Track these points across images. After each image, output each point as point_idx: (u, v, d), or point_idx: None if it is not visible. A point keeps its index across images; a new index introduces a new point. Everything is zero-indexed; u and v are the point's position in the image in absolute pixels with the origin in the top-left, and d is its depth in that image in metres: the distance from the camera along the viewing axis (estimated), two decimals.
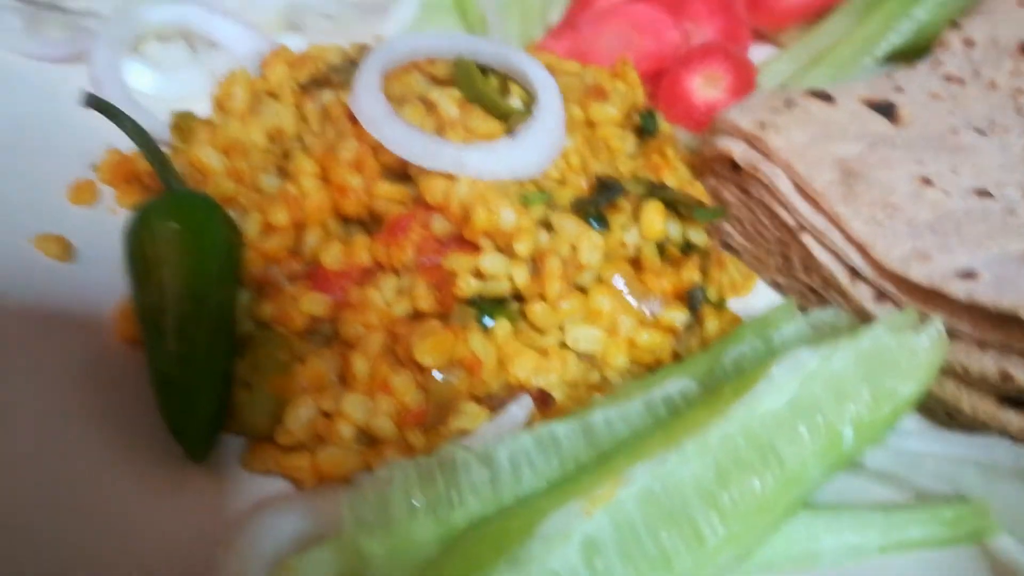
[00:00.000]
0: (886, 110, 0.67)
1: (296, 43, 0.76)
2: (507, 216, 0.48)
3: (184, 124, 0.61)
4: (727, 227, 0.64)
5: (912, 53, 0.79)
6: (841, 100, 0.66)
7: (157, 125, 0.64)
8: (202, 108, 0.66)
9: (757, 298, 0.61)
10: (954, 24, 0.73)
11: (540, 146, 0.52)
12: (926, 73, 0.72)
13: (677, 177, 0.61)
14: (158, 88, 0.70)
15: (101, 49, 0.67)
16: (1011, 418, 0.46)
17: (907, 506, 0.43)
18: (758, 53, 0.89)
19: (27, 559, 0.39)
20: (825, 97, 0.65)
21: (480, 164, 0.50)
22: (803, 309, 0.61)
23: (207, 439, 0.43)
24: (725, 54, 0.77)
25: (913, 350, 0.46)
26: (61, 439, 0.43)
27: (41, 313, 0.47)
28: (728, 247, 0.64)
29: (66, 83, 0.66)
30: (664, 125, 0.68)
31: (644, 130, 0.64)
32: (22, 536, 0.40)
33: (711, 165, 0.64)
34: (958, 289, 0.49)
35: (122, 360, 0.46)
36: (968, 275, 0.50)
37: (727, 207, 0.63)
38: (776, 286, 0.62)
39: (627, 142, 0.62)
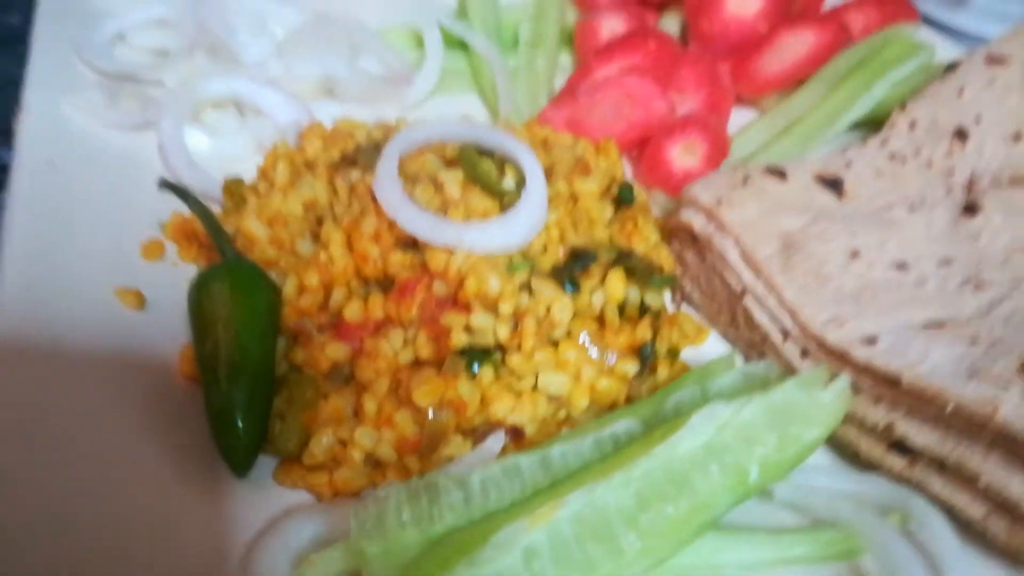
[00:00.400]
0: (834, 185, 0.77)
1: (331, 109, 0.89)
2: (493, 284, 0.59)
3: (233, 188, 0.73)
4: (688, 285, 0.75)
5: (876, 122, 0.90)
6: (794, 176, 0.76)
7: (211, 185, 0.77)
8: (248, 167, 0.79)
9: (709, 347, 0.72)
10: (902, 107, 0.83)
11: (525, 223, 0.63)
12: (874, 150, 0.81)
13: (646, 242, 0.72)
14: (212, 150, 0.82)
15: (167, 119, 0.80)
16: (894, 461, 0.56)
17: (795, 529, 0.54)
18: (740, 116, 1.00)
19: (104, 548, 0.52)
20: (779, 174, 0.75)
21: (474, 240, 0.61)
22: (747, 358, 0.71)
23: (248, 459, 0.55)
24: (703, 126, 0.88)
25: (819, 403, 0.56)
26: (136, 456, 0.55)
27: (121, 354, 0.59)
28: (689, 301, 0.75)
29: (139, 149, 0.79)
30: (640, 195, 0.79)
31: (622, 200, 0.76)
32: (105, 528, 0.52)
33: (676, 232, 0.74)
34: (860, 353, 0.59)
35: (184, 393, 0.58)
36: (870, 341, 0.60)
37: (688, 268, 0.74)
38: (726, 338, 0.72)
39: (605, 211, 0.74)
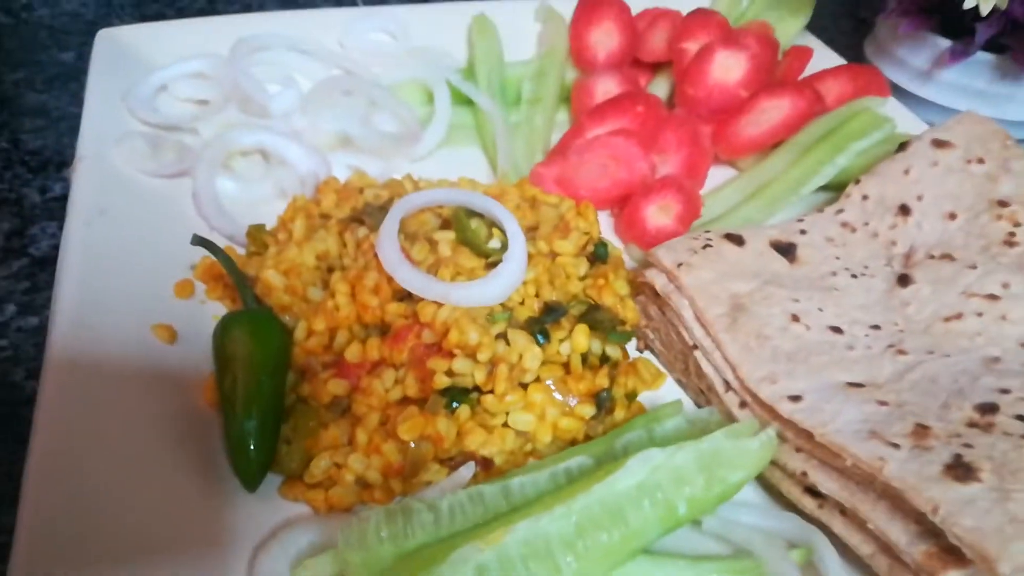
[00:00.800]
0: (787, 250, 0.86)
1: (347, 160, 1.00)
2: (472, 336, 0.69)
3: (256, 233, 0.84)
4: (651, 334, 0.84)
5: (841, 186, 0.99)
6: (751, 243, 0.85)
7: (237, 230, 0.88)
8: (271, 210, 0.90)
9: (666, 390, 0.81)
10: (857, 180, 0.92)
11: (505, 283, 0.73)
12: (829, 218, 0.91)
13: (615, 295, 0.82)
14: (240, 193, 0.93)
15: (201, 168, 0.91)
16: (807, 503, 0.66)
17: (715, 557, 0.63)
18: (720, 174, 1.10)
19: (136, 543, 0.62)
20: (738, 240, 0.84)
21: (459, 297, 0.71)
22: (698, 404, 0.81)
23: (258, 477, 0.65)
24: (678, 188, 0.97)
25: (746, 450, 0.65)
26: (163, 467, 0.65)
27: (155, 382, 0.69)
28: (651, 348, 0.85)
29: (175, 195, 0.90)
30: (614, 252, 0.89)
31: (596, 257, 0.86)
32: (137, 525, 0.62)
33: (642, 287, 0.84)
34: (785, 409, 0.68)
35: (206, 417, 0.69)
36: (795, 399, 0.69)
37: (651, 320, 0.83)
38: (679, 384, 0.81)
39: (581, 267, 0.83)
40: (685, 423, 0.72)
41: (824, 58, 1.20)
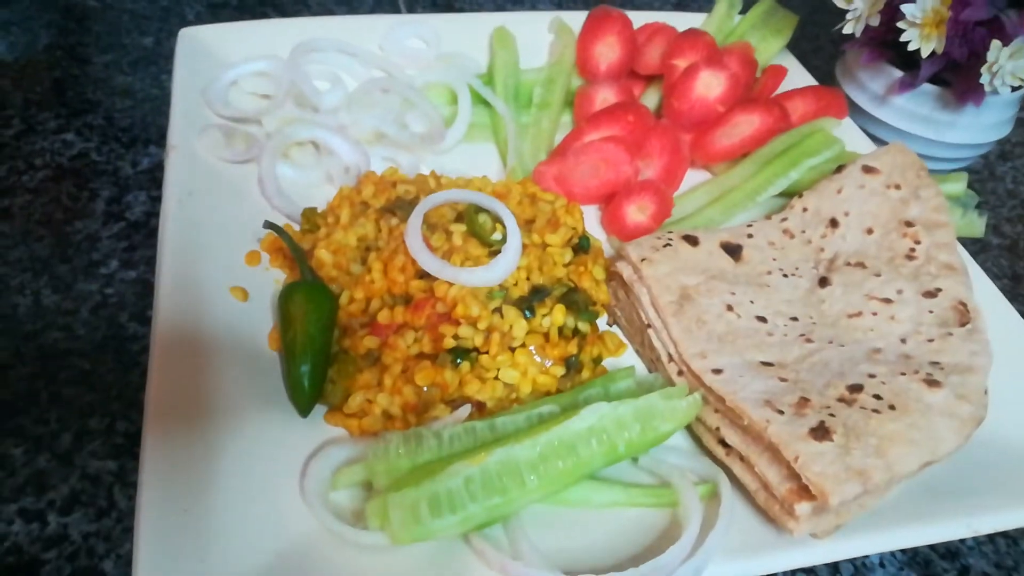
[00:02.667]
0: (734, 251, 1.05)
1: (382, 152, 1.20)
2: (474, 310, 0.90)
3: (309, 214, 1.05)
4: (618, 312, 1.05)
5: (791, 195, 1.18)
6: (704, 243, 1.04)
7: (294, 210, 1.09)
8: (321, 193, 1.11)
9: (626, 358, 1.02)
10: (800, 194, 1.11)
11: (503, 268, 0.94)
12: (774, 224, 1.10)
13: (592, 280, 1.03)
14: (295, 178, 1.14)
15: (265, 156, 1.11)
16: (718, 450, 0.86)
17: (644, 485, 0.84)
18: (694, 176, 1.29)
19: (225, 455, 0.84)
20: (693, 241, 1.04)
21: (466, 278, 0.92)
22: (649, 370, 1.02)
23: (309, 406, 0.87)
24: (655, 191, 1.16)
25: (675, 407, 0.86)
26: (238, 398, 0.88)
27: (232, 332, 0.92)
28: (618, 324, 1.06)
29: (244, 179, 1.11)
30: (595, 243, 1.09)
31: (580, 248, 1.06)
32: (226, 442, 0.85)
33: (613, 275, 1.05)
34: (708, 379, 0.88)
35: (272, 359, 0.91)
36: (717, 371, 0.89)
37: (619, 301, 1.03)
38: (637, 353, 1.02)
39: (566, 255, 1.04)
40: (634, 384, 0.93)
41: (798, 76, 1.38)
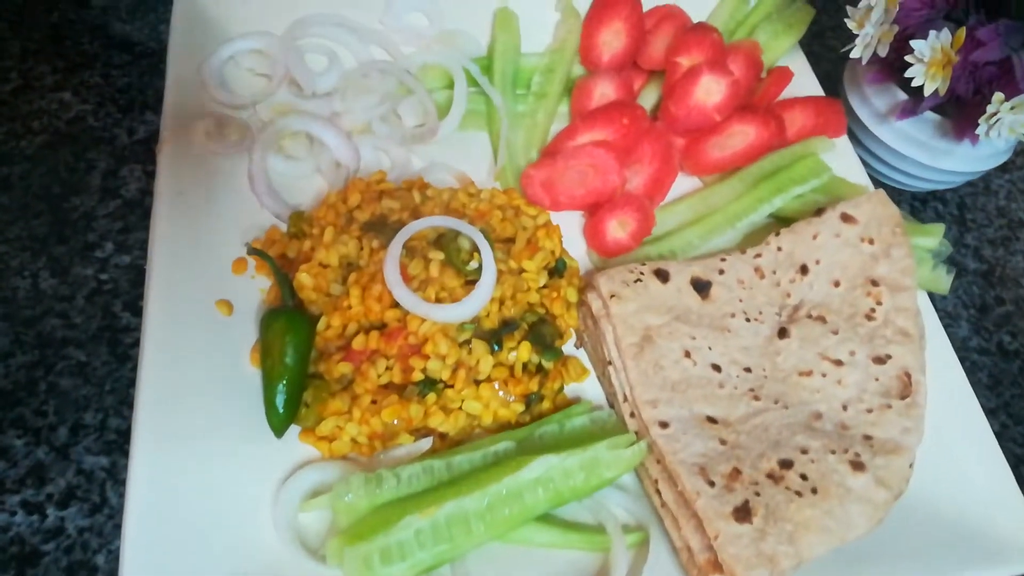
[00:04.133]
0: (703, 287, 1.08)
1: (373, 142, 1.21)
2: (443, 348, 0.96)
3: (296, 219, 1.09)
4: (585, 337, 1.10)
5: (778, 218, 1.21)
6: (674, 279, 1.07)
7: (283, 209, 1.12)
8: (310, 184, 1.14)
9: (588, 384, 1.08)
10: (777, 232, 1.13)
11: (475, 305, 0.98)
12: (747, 260, 1.11)
13: (563, 304, 1.07)
14: (286, 170, 1.16)
15: (256, 151, 1.13)
16: (656, 499, 0.94)
17: (582, 525, 0.93)
18: (685, 182, 1.30)
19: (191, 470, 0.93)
20: (664, 276, 1.07)
21: (439, 315, 0.97)
22: (608, 403, 1.08)
23: (284, 427, 0.94)
24: (638, 207, 1.18)
25: (619, 457, 0.94)
26: (215, 413, 0.95)
27: (215, 347, 0.98)
28: (585, 348, 1.11)
29: (234, 172, 1.13)
30: (572, 264, 1.13)
31: (555, 270, 1.10)
32: (197, 456, 0.93)
33: (584, 302, 1.09)
34: (654, 432, 0.94)
35: (252, 376, 0.98)
36: (664, 424, 0.95)
37: (587, 328, 1.08)
38: (599, 380, 1.09)
39: (541, 279, 1.08)
40: (589, 421, 1.00)
41: (805, 78, 1.35)
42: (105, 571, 0.90)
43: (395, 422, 0.95)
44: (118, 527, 0.93)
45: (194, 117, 1.12)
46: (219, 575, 0.84)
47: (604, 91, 1.29)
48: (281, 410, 0.94)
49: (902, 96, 1.25)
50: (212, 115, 1.13)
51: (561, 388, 1.05)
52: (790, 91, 1.32)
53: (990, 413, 1.16)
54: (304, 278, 1.00)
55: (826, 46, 1.57)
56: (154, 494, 0.87)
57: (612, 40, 1.31)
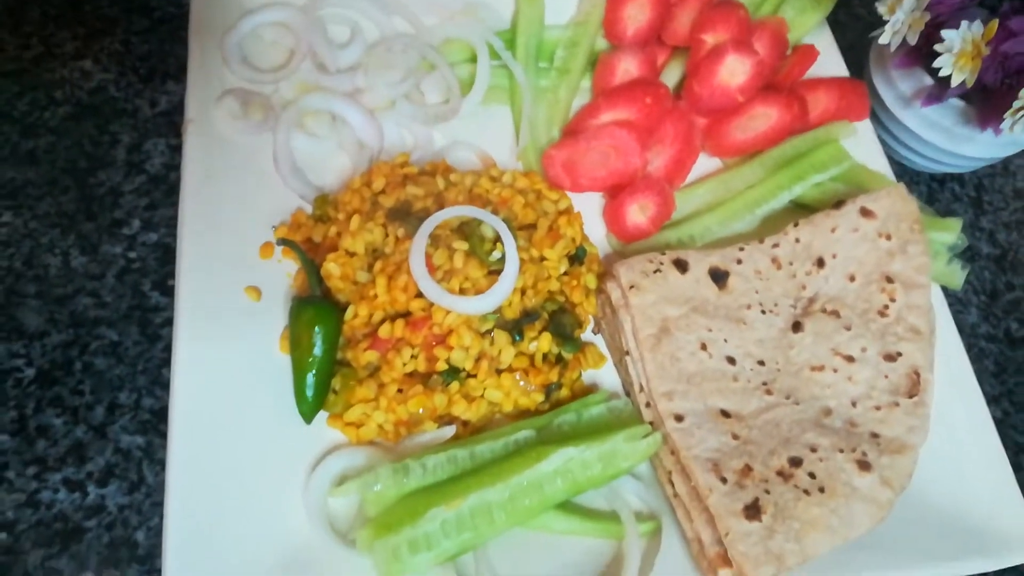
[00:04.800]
0: (721, 278, 1.10)
1: (396, 118, 1.21)
2: (467, 340, 0.99)
3: (321, 202, 1.10)
4: (603, 324, 1.12)
5: (800, 204, 1.21)
6: (692, 270, 1.08)
7: (307, 190, 1.13)
8: (334, 162, 1.15)
9: (605, 371, 1.12)
10: (796, 223, 1.14)
11: (498, 297, 1.00)
12: (765, 250, 1.13)
13: (583, 292, 1.10)
14: (310, 149, 1.16)
15: (280, 130, 1.13)
16: (668, 490, 0.99)
17: (598, 513, 0.98)
18: (704, 162, 1.30)
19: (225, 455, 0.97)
20: (682, 267, 1.08)
21: (463, 307, 0.99)
22: (624, 387, 1.11)
23: (313, 413, 0.98)
24: (658, 191, 1.19)
25: (635, 449, 0.98)
26: (247, 398, 0.99)
27: (245, 334, 1.01)
28: (602, 335, 1.14)
29: (259, 152, 1.14)
30: (591, 251, 1.15)
31: (576, 257, 1.12)
32: (227, 440, 0.97)
33: (603, 290, 1.11)
34: (670, 426, 0.98)
35: (282, 362, 1.01)
36: (679, 418, 0.99)
37: (606, 315, 1.10)
38: (615, 367, 1.12)
39: (562, 267, 1.10)
40: (606, 410, 1.04)
41: (830, 57, 1.34)
42: (145, 547, 0.95)
43: (420, 411, 0.99)
44: (156, 505, 0.97)
45: (217, 95, 1.11)
46: (256, 557, 0.89)
47: (627, 67, 1.28)
48: (310, 398, 0.97)
49: (928, 81, 1.24)
50: (235, 92, 1.12)
51: (579, 376, 1.08)
52: (815, 68, 1.31)
53: (994, 401, 1.20)
54: (331, 267, 1.02)
55: (853, 15, 1.54)
56: (191, 477, 0.91)
57: (637, 14, 1.29)
